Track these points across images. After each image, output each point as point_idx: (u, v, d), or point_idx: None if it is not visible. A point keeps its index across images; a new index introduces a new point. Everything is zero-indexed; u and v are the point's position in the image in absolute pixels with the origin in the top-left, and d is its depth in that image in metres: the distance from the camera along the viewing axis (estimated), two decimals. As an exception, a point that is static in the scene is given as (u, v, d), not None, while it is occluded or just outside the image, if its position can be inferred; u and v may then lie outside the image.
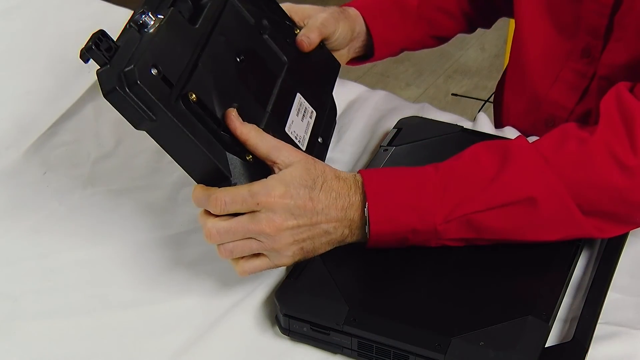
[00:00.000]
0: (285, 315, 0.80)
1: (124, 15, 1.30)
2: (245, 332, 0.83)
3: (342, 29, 1.04)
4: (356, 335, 0.78)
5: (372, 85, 1.18)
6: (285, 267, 0.88)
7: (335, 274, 0.82)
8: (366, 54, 1.12)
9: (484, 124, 1.08)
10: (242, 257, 0.82)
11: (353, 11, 1.08)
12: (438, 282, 0.83)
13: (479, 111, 1.14)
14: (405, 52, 1.18)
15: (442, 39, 1.20)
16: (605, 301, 0.82)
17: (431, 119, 1.04)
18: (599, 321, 0.80)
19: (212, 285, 0.87)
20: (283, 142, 0.84)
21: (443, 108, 1.13)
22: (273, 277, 0.87)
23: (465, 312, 0.79)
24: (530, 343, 0.75)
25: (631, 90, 0.86)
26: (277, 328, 0.82)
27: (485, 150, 0.85)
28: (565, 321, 0.83)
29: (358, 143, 1.05)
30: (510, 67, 1.16)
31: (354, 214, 0.83)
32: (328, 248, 0.84)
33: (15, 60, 1.22)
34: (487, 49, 2.67)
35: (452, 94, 1.06)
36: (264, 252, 0.82)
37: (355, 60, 1.13)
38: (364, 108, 1.11)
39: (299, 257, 0.83)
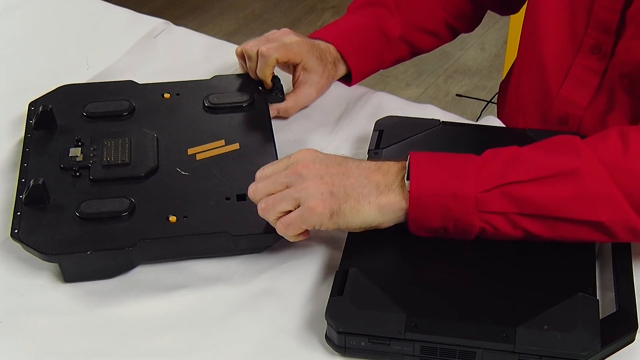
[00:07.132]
0: (340, 332, 0.78)
1: (124, 15, 1.30)
2: (245, 331, 0.83)
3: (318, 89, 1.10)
4: (420, 341, 0.77)
5: (372, 86, 1.18)
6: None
7: (380, 283, 0.81)
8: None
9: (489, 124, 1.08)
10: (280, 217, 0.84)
11: (329, 49, 1.10)
12: (482, 277, 0.83)
13: (481, 112, 1.13)
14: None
15: (420, 53, 1.22)
16: (604, 301, 0.82)
17: (407, 117, 1.03)
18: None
19: (213, 285, 0.87)
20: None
21: (443, 108, 1.13)
22: (274, 271, 0.88)
23: (518, 301, 0.79)
24: (588, 319, 0.77)
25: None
26: (280, 327, 0.82)
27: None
28: None
29: (358, 143, 1.05)
30: (518, 64, 1.16)
31: (388, 171, 0.84)
32: (363, 206, 0.83)
33: (14, 59, 1.22)
34: (487, 49, 2.67)
35: (457, 95, 1.06)
36: (296, 200, 0.83)
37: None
38: (364, 108, 1.11)
39: (330, 204, 0.82)
